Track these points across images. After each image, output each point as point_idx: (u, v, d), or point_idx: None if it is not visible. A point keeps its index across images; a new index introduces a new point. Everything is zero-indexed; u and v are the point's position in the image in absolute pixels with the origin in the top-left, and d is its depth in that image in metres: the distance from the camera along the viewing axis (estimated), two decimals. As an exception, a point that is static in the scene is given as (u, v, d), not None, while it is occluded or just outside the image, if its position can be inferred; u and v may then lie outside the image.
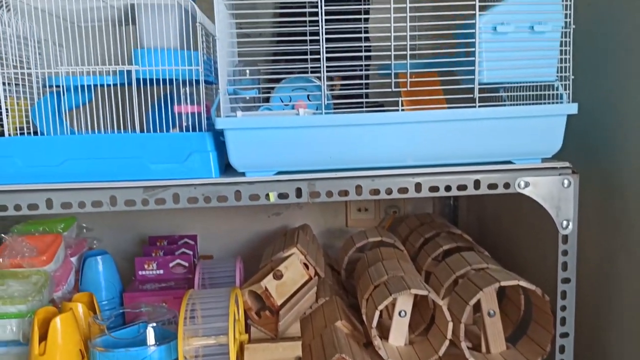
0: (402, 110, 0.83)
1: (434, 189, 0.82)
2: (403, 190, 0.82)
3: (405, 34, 0.81)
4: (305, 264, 1.05)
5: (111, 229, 1.35)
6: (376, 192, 0.82)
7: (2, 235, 1.05)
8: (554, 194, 0.83)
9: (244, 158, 0.82)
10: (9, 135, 0.85)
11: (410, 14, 0.81)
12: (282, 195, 0.82)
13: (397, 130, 0.81)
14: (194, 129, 0.86)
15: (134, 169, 0.83)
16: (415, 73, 0.88)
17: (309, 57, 0.94)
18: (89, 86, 0.90)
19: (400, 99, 0.82)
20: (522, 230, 1.18)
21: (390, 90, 0.85)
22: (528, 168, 0.84)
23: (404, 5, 0.80)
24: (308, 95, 0.97)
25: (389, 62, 0.84)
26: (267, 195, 0.81)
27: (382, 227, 1.38)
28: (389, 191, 0.82)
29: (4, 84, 0.84)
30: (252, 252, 1.44)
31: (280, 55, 1.20)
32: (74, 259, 1.11)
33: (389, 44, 0.82)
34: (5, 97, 0.86)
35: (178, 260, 1.15)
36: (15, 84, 0.90)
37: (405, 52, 0.83)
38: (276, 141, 0.81)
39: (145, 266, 1.14)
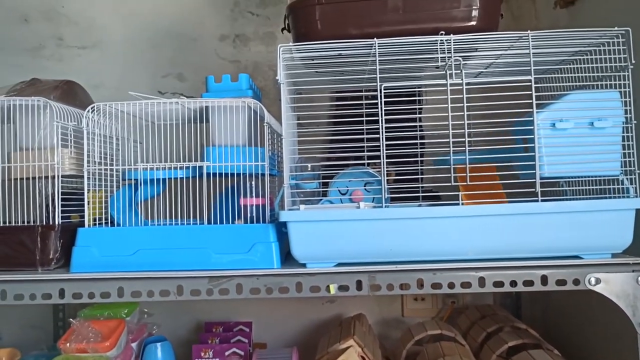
0: (462, 203, 0.83)
1: (499, 284, 0.80)
2: (466, 284, 0.80)
3: (462, 129, 0.84)
4: (362, 357, 1.03)
5: (169, 314, 1.37)
6: (438, 286, 0.81)
7: (71, 320, 1.09)
8: (629, 291, 0.79)
9: (305, 250, 0.84)
10: (88, 226, 0.91)
11: (467, 106, 0.84)
12: (342, 288, 0.82)
13: (458, 224, 0.81)
14: (257, 221, 0.90)
15: (199, 259, 0.86)
16: (473, 167, 0.89)
17: (365, 137, 0.98)
18: (162, 179, 0.97)
19: (460, 193, 0.83)
20: (593, 326, 1.11)
21: (448, 184, 0.86)
22: (598, 264, 0.81)
23: (461, 95, 0.84)
24: (365, 185, 1.00)
25: (446, 157, 0.86)
26: (328, 287, 0.82)
27: (440, 318, 1.33)
28: (451, 285, 0.81)
29: (88, 178, 0.92)
30: (306, 340, 1.42)
31: (337, 140, 1.25)
32: (134, 345, 1.13)
33: (445, 132, 0.84)
34: (87, 190, 0.93)
35: (234, 349, 1.14)
36: (96, 178, 0.99)
37: (462, 146, 0.85)
38: (337, 233, 0.83)
39: (202, 354, 1.14)
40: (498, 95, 0.84)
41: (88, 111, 0.91)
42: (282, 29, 1.03)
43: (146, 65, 1.54)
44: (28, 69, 1.52)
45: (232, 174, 0.95)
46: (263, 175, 0.91)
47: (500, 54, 0.91)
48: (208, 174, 0.94)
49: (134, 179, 0.99)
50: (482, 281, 0.80)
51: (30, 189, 0.94)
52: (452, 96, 0.85)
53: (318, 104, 0.97)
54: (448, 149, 0.84)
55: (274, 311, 1.43)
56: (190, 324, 1.44)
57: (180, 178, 0.96)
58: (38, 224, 0.87)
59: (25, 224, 0.89)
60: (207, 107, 0.97)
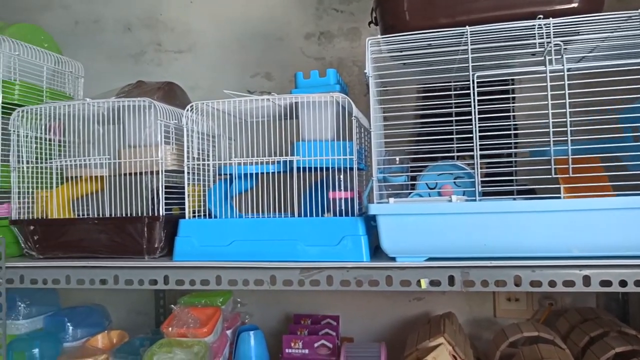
0: (563, 197, 0.78)
1: (606, 283, 0.74)
2: (569, 283, 0.75)
3: (562, 118, 0.79)
4: (453, 356, 1.00)
5: (260, 304, 1.43)
6: (537, 284, 0.77)
7: (172, 306, 1.16)
8: None
9: (395, 243, 0.83)
10: (188, 217, 0.97)
11: (568, 93, 0.79)
12: (433, 283, 0.81)
13: (559, 219, 0.77)
14: (346, 214, 0.91)
15: (290, 251, 0.89)
16: (575, 158, 0.84)
17: (454, 136, 0.95)
18: (254, 174, 1.01)
19: (560, 186, 0.78)
20: None
21: (545, 176, 0.81)
22: None
23: (562, 83, 0.79)
24: (455, 181, 0.97)
25: (545, 147, 0.81)
26: (419, 281, 0.81)
27: (536, 320, 1.27)
28: (552, 284, 0.76)
29: (188, 173, 0.98)
30: (392, 336, 1.41)
31: (425, 135, 1.23)
32: (229, 332, 1.19)
33: (543, 121, 0.80)
34: (188, 184, 0.99)
35: (323, 341, 1.16)
36: (194, 173, 1.05)
37: (563, 136, 0.80)
38: (428, 227, 0.81)
39: (292, 344, 1.17)
40: (602, 81, 0.78)
41: (187, 110, 0.97)
42: (369, 23, 1.02)
43: (236, 66, 1.61)
44: (132, 73, 1.65)
45: (321, 168, 0.96)
46: (351, 169, 0.92)
47: (606, 37, 0.85)
48: (297, 168, 0.96)
49: (229, 174, 1.03)
50: (586, 280, 0.75)
51: (137, 183, 1.01)
52: (551, 83, 0.80)
53: (405, 96, 0.96)
54: (544, 141, 0.79)
55: (360, 306, 1.43)
56: (280, 315, 1.48)
57: (271, 172, 0.99)
58: (144, 215, 0.94)
59: (133, 215, 0.96)
60: (296, 103, 0.99)
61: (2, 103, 1.04)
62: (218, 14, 1.62)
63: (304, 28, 1.56)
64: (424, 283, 0.80)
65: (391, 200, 0.84)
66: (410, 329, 1.33)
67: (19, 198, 1.02)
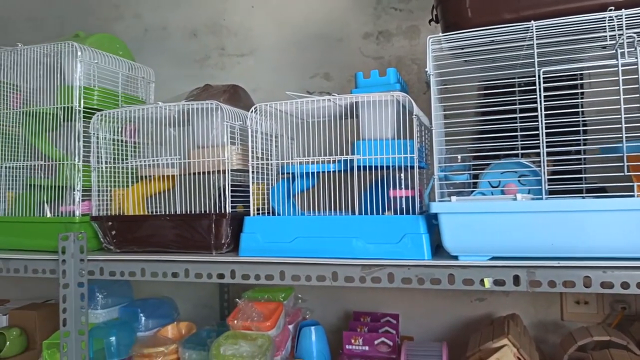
0: (638, 195, 0.75)
1: (686, 286, 0.71)
2: (644, 285, 0.72)
3: (635, 113, 0.76)
4: (518, 358, 0.98)
5: (319, 301, 1.45)
6: (608, 285, 0.74)
7: (237, 300, 1.21)
8: None
9: (458, 242, 0.83)
10: (253, 215, 1.01)
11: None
12: (497, 282, 0.79)
13: (633, 218, 0.73)
14: (407, 212, 0.91)
15: (351, 248, 0.90)
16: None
17: (518, 133, 0.93)
18: (315, 173, 1.03)
19: (635, 184, 0.74)
20: None
21: (616, 174, 0.78)
22: None
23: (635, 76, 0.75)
24: (519, 179, 0.95)
25: (616, 144, 0.78)
26: (482, 281, 0.80)
27: (607, 325, 1.21)
28: (624, 285, 0.73)
29: (252, 172, 1.01)
30: (453, 336, 1.39)
31: (487, 133, 1.21)
32: (290, 327, 1.22)
33: (614, 117, 0.76)
34: (253, 182, 1.03)
35: (383, 339, 1.17)
36: (257, 172, 1.08)
37: (636, 132, 0.76)
38: (492, 226, 0.80)
39: (352, 341, 1.19)
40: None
41: (251, 111, 1.01)
42: (430, 21, 1.02)
43: (296, 68, 1.64)
44: (197, 78, 1.73)
45: (381, 167, 0.97)
46: (412, 167, 0.92)
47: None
48: (358, 167, 0.98)
49: (290, 173, 1.06)
50: (663, 282, 0.72)
51: (205, 182, 1.06)
52: (623, 77, 0.77)
53: (466, 93, 0.94)
54: (616, 137, 0.76)
55: (420, 305, 1.43)
56: (339, 312, 1.50)
57: (331, 171, 1.01)
58: (212, 212, 0.99)
59: (202, 212, 1.02)
60: (356, 103, 1.01)
61: (82, 108, 1.12)
62: (279, 18, 1.67)
63: (362, 28, 1.58)
64: (488, 282, 0.79)
65: (453, 198, 0.83)
66: (471, 329, 1.31)
67: (98, 196, 1.10)
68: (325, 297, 1.47)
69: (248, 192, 1.02)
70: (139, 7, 1.84)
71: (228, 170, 1.00)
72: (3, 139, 1.24)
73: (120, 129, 1.15)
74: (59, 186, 1.14)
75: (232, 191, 1.02)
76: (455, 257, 0.84)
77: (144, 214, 1.11)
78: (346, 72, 1.60)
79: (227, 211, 0.99)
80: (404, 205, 0.92)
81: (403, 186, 0.92)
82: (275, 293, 1.27)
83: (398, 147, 0.95)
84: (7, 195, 1.26)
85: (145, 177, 1.15)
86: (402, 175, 0.93)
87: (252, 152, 1.01)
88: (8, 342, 1.46)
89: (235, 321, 1.16)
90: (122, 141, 1.17)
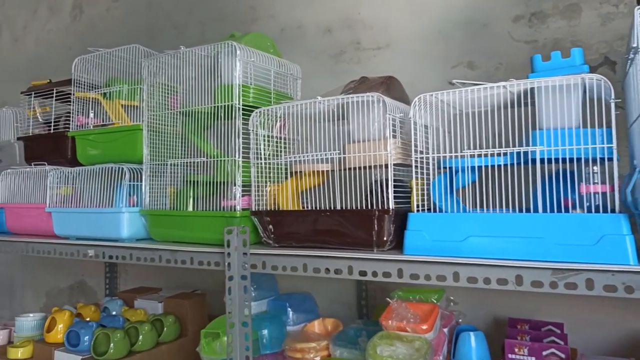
0: None
1: None
2: None
3: None
4: None
5: (466, 304, 1.37)
6: None
7: (388, 299, 1.17)
8: None
9: (677, 245, 0.71)
10: (415, 211, 0.96)
11: None
12: None
13: None
14: (603, 210, 0.80)
15: (536, 249, 0.82)
16: None
17: None
18: (480, 167, 0.95)
19: None
20: None
21: None
22: None
23: None
24: None
25: None
26: None
27: None
28: None
29: (415, 166, 0.96)
30: (621, 353, 1.23)
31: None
32: (445, 330, 1.16)
33: None
34: (415, 177, 0.98)
35: (553, 350, 1.06)
36: (416, 166, 1.03)
37: None
38: None
39: (516, 350, 1.09)
40: None
41: (415, 103, 0.96)
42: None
43: (436, 58, 1.57)
44: (332, 73, 1.72)
45: (563, 159, 0.87)
46: (609, 159, 0.81)
47: None
48: (533, 160, 0.88)
49: (449, 167, 1.00)
50: None
51: (361, 177, 1.03)
52: None
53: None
54: None
55: (585, 314, 1.28)
56: (487, 317, 1.41)
57: (501, 165, 0.93)
58: (375, 209, 0.95)
59: (363, 208, 0.98)
60: (531, 89, 0.91)
61: (242, 105, 1.15)
62: (416, 7, 1.60)
63: (512, 10, 1.46)
64: None
65: (669, 194, 0.71)
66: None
67: (257, 191, 1.12)
68: (473, 300, 1.38)
69: (402, 187, 0.97)
70: (274, 8, 1.87)
71: (390, 164, 0.96)
72: (165, 138, 1.32)
73: (275, 125, 1.16)
74: (218, 182, 1.18)
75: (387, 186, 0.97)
76: (669, 264, 0.72)
77: (303, 209, 1.10)
78: (493, 59, 1.48)
79: (390, 207, 0.94)
80: (598, 203, 0.81)
81: (598, 181, 0.81)
82: (427, 294, 1.21)
83: (586, 136, 0.84)
84: (168, 191, 1.34)
85: (298, 172, 1.15)
86: (597, 168, 0.82)
87: (415, 146, 0.96)
88: (165, 328, 1.56)
89: (390, 321, 1.11)
90: (276, 137, 1.18)
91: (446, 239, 0.89)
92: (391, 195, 0.95)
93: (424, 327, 1.08)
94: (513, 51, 1.45)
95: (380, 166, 1.00)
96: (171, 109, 1.33)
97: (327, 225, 1.02)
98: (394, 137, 0.99)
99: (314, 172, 1.12)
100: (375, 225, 0.95)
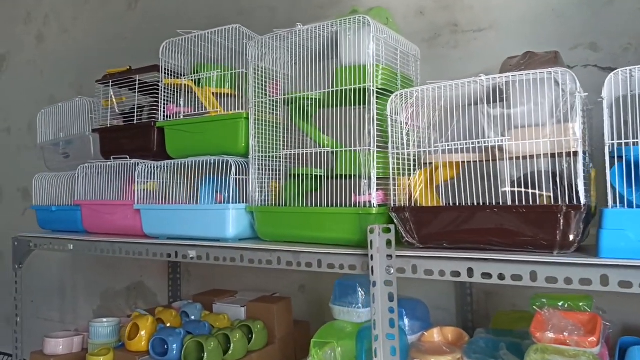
0: None
1: None
2: None
3: None
4: None
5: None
6: None
7: (535, 307, 1.03)
8: None
9: None
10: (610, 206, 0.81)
11: None
12: None
13: None
14: None
15: None
16: None
17: None
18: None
19: None
20: None
21: None
22: None
23: None
24: None
25: None
26: None
27: None
28: None
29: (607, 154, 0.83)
30: None
31: None
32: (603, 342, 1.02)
33: None
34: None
35: None
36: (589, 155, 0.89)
37: None
38: None
39: (697, 366, 0.95)
40: None
41: (608, 81, 0.82)
42: None
43: (550, 39, 1.43)
44: (425, 59, 1.58)
45: None
46: None
47: None
48: None
49: (621, 157, 0.86)
50: None
51: (520, 167, 0.90)
52: None
53: None
54: None
55: None
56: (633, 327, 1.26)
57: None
58: (561, 204, 0.81)
59: (545, 204, 0.85)
60: None
61: (376, 88, 1.00)
62: (526, -17, 1.46)
63: (644, -17, 1.31)
64: None
65: None
66: None
67: (394, 185, 0.99)
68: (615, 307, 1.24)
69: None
70: (357, -11, 1.74)
71: (580, 152, 0.82)
72: (267, 128, 1.19)
73: (415, 111, 1.02)
74: (339, 175, 1.05)
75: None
76: None
77: (465, 205, 0.94)
78: (620, 39, 1.34)
79: (583, 202, 0.80)
80: None
81: None
82: (573, 301, 1.08)
83: None
84: (271, 186, 1.21)
85: (429, 164, 1.02)
86: None
87: (608, 131, 0.82)
88: (254, 335, 1.43)
89: (545, 333, 0.98)
90: (411, 125, 1.04)
91: (660, 238, 0.75)
92: (582, 188, 0.81)
93: (592, 339, 0.94)
94: (644, 29, 1.31)
95: (553, 155, 0.86)
96: (271, 96, 1.20)
97: (491, 223, 0.88)
98: (579, 122, 0.84)
99: (458, 163, 0.99)
100: (562, 224, 0.81)
